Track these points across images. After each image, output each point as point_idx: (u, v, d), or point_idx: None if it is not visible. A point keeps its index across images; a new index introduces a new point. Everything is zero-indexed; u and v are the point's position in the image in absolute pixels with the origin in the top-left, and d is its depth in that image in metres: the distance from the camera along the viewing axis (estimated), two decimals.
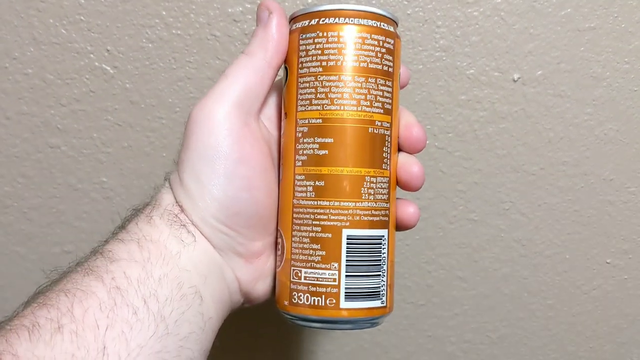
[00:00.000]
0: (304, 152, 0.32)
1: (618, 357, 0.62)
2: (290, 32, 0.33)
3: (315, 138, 0.32)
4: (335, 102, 0.32)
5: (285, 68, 0.34)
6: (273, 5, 0.33)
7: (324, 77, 0.32)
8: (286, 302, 0.33)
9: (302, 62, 0.33)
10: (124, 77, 0.51)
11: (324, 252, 0.32)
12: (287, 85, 0.33)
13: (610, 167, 0.56)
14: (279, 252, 0.34)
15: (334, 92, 0.32)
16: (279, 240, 0.34)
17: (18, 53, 0.51)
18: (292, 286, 0.32)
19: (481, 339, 0.61)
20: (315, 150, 0.32)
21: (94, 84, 0.51)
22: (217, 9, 0.51)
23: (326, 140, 0.32)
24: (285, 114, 0.33)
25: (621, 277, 0.59)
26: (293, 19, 0.34)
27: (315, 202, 0.32)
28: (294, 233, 0.33)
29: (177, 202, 0.32)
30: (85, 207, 0.55)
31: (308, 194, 0.32)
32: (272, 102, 0.35)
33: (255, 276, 0.34)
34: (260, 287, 0.34)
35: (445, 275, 0.58)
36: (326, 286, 0.31)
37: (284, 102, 0.34)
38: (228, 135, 0.31)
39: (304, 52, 0.32)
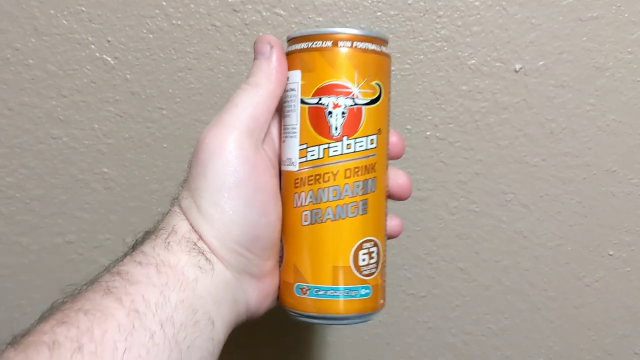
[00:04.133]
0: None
1: (620, 349, 0.61)
2: (385, 54, 0.35)
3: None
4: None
5: (379, 85, 0.35)
6: (273, 39, 0.35)
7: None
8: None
9: (389, 85, 0.36)
10: (124, 68, 0.51)
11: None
12: (382, 103, 0.35)
13: (612, 159, 0.56)
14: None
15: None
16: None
17: (19, 44, 0.51)
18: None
19: (482, 331, 0.61)
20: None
21: (95, 74, 0.52)
22: None
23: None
24: (380, 130, 0.35)
25: (623, 269, 0.59)
26: (387, 42, 0.36)
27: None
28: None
29: (194, 228, 0.33)
30: (87, 197, 0.55)
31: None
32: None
33: (264, 295, 0.35)
34: (265, 306, 0.36)
35: (446, 266, 0.58)
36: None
37: (377, 119, 0.35)
38: (245, 163, 0.33)
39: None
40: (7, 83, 0.52)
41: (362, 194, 0.34)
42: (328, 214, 0.34)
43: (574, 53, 0.53)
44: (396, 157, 0.38)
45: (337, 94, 0.34)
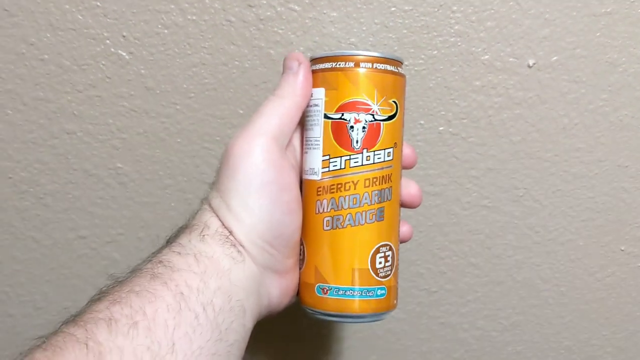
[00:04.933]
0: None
1: (632, 345, 0.61)
2: (401, 74, 0.39)
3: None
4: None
5: (396, 103, 0.38)
6: (301, 57, 0.38)
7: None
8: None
9: (404, 102, 0.40)
10: (139, 63, 0.52)
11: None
12: (397, 118, 0.38)
13: (625, 154, 0.56)
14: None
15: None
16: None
17: (34, 39, 0.51)
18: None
19: (494, 326, 0.61)
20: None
21: (110, 69, 0.52)
22: None
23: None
24: (395, 143, 0.38)
25: (635, 265, 0.59)
26: (402, 64, 0.39)
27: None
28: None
29: (224, 225, 0.36)
30: (100, 192, 0.55)
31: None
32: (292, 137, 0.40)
33: (284, 291, 0.38)
34: (285, 302, 0.39)
35: (458, 262, 0.58)
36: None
37: (393, 134, 0.38)
38: (272, 166, 0.36)
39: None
40: (22, 78, 0.52)
41: (379, 202, 0.37)
42: (348, 220, 0.37)
43: (587, 48, 0.53)
44: (409, 168, 0.41)
45: (358, 110, 0.37)
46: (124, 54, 0.51)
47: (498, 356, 0.62)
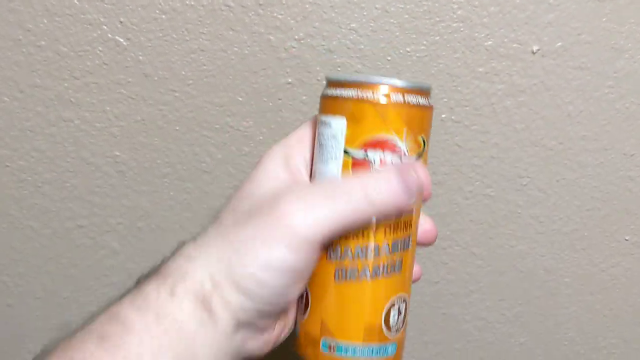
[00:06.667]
0: None
1: (636, 336, 0.61)
2: (431, 106, 0.34)
3: None
4: None
5: (424, 140, 0.33)
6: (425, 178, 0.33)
7: None
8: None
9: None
10: (137, 49, 0.51)
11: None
12: (424, 157, 0.34)
13: (631, 142, 0.55)
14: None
15: None
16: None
17: (31, 25, 0.50)
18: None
19: (496, 317, 0.60)
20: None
21: (107, 56, 0.51)
22: None
23: None
24: None
25: None
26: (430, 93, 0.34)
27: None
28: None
29: (211, 283, 0.30)
30: (98, 181, 0.54)
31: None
32: None
33: (265, 344, 0.34)
34: (264, 352, 0.34)
35: (460, 252, 0.58)
36: None
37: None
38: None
39: None
40: (18, 65, 0.51)
41: (399, 252, 0.33)
42: (364, 273, 0.32)
43: (592, 34, 0.52)
44: (424, 201, 0.36)
45: (384, 148, 0.32)
46: (122, 40, 0.51)
47: (501, 347, 0.61)
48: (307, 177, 0.34)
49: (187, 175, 0.54)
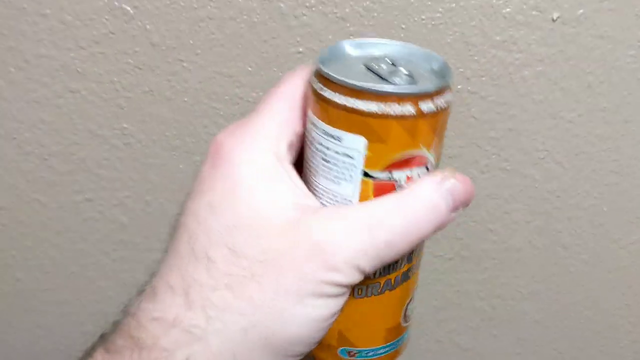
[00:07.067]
0: None
1: None
2: (453, 101, 0.28)
3: None
4: None
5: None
6: None
7: None
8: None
9: None
10: (144, 18, 0.50)
11: None
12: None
13: None
14: None
15: None
16: None
17: None
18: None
19: (512, 295, 0.59)
20: None
21: (114, 25, 0.50)
22: None
23: None
24: None
25: None
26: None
27: None
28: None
29: (233, 354, 0.24)
30: (106, 154, 0.54)
31: None
32: None
33: None
34: None
35: (475, 227, 0.56)
36: None
37: None
38: None
39: None
40: (24, 34, 0.50)
41: (417, 256, 0.31)
42: (387, 286, 0.30)
43: (615, 1, 0.50)
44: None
45: (412, 165, 0.27)
46: (128, 8, 0.49)
47: (516, 325, 0.60)
48: (300, 180, 0.28)
49: (196, 148, 0.53)
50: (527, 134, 0.53)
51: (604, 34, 0.51)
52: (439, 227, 0.27)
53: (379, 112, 0.25)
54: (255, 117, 0.27)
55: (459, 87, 0.51)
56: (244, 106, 0.52)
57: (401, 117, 0.25)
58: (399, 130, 0.26)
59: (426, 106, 0.26)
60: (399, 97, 0.25)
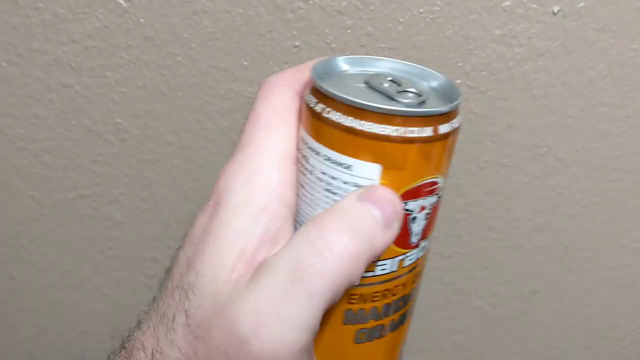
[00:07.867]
0: None
1: None
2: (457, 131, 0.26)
3: None
4: None
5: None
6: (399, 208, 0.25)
7: None
8: None
9: None
10: (137, 12, 0.49)
11: None
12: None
13: None
14: None
15: None
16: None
17: None
18: None
19: (512, 293, 0.58)
20: None
21: (107, 18, 0.49)
22: None
23: None
24: None
25: None
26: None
27: None
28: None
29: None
30: (100, 149, 0.53)
31: None
32: None
33: None
34: None
35: (475, 225, 0.56)
36: None
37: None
38: None
39: None
40: (16, 28, 0.49)
41: (417, 288, 0.28)
42: (390, 327, 0.27)
43: None
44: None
45: (426, 194, 0.25)
46: (122, 1, 0.49)
47: (516, 324, 0.59)
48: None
49: (191, 144, 0.53)
50: (527, 129, 0.52)
51: (606, 28, 0.50)
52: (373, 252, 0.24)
53: (398, 136, 0.23)
54: (253, 155, 0.25)
55: (458, 81, 0.51)
56: (239, 101, 0.51)
57: (420, 141, 0.23)
58: (417, 155, 0.23)
59: (443, 128, 0.24)
60: (422, 120, 0.23)
